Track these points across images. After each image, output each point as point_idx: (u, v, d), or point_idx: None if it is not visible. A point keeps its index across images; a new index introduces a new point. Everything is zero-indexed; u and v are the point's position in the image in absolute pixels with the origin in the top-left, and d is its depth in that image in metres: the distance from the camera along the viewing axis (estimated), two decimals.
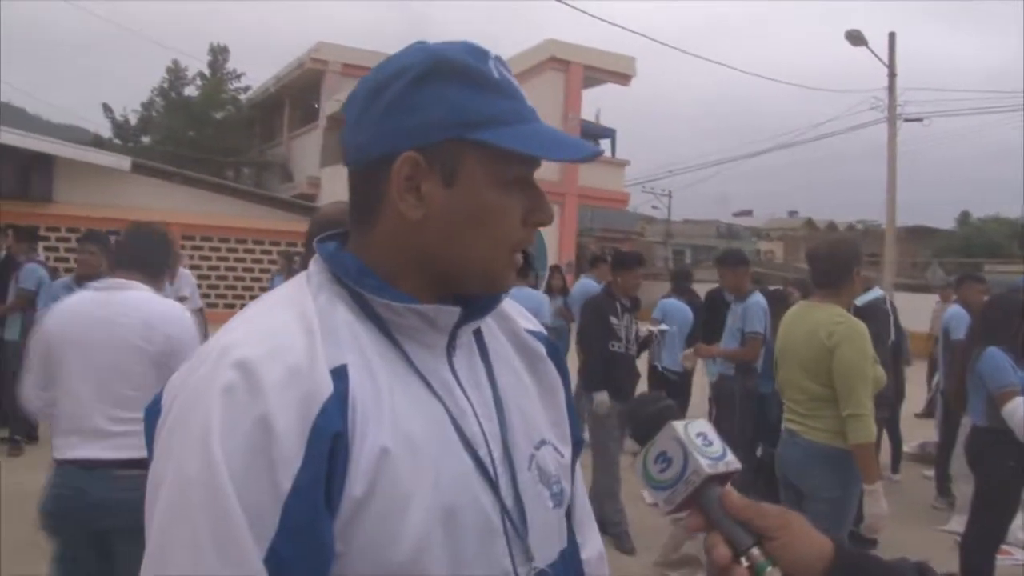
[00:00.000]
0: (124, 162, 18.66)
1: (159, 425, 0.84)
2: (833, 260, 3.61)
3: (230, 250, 19.60)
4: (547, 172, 19.26)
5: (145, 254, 2.95)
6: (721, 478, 0.88)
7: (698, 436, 0.89)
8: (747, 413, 5.58)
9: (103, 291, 2.80)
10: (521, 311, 1.16)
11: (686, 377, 7.75)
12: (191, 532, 0.75)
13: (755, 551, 0.84)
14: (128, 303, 2.75)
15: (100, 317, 2.72)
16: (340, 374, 0.83)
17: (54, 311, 2.85)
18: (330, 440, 0.80)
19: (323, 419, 0.79)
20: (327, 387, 0.81)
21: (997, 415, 4.07)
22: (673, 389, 8.00)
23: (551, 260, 19.17)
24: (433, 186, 0.90)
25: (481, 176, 0.90)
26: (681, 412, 0.94)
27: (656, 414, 0.92)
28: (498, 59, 0.94)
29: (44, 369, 2.78)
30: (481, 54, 0.92)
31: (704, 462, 0.87)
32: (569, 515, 1.11)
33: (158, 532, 0.78)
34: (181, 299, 8.20)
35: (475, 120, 0.88)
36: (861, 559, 0.88)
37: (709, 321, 7.24)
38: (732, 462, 0.89)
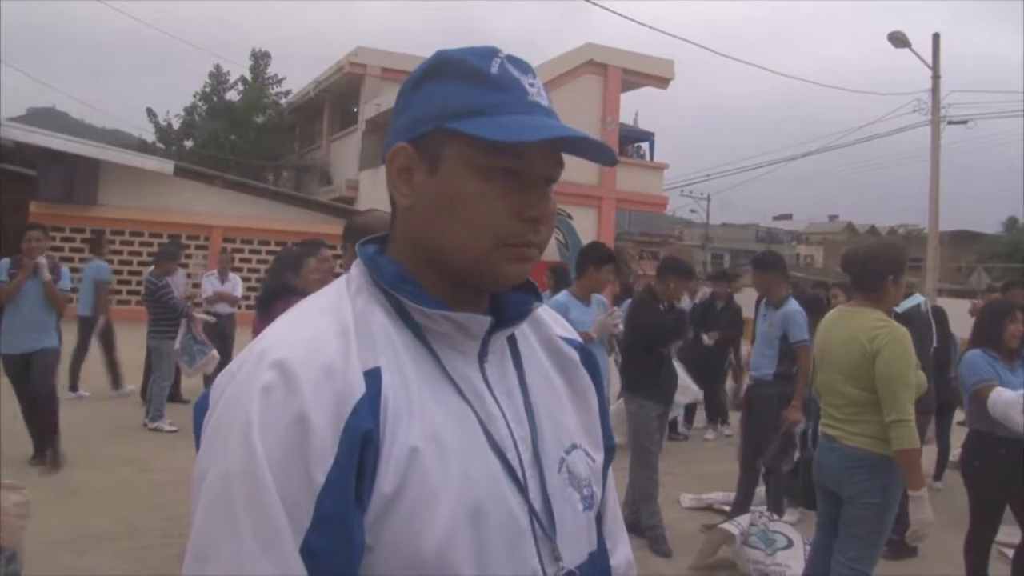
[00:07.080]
0: (167, 166, 19.06)
1: (206, 421, 0.88)
2: (868, 265, 3.55)
3: (270, 252, 19.83)
4: (585, 175, 19.26)
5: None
6: None
7: None
8: (783, 418, 5.53)
9: None
10: (558, 319, 1.18)
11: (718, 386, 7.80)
12: (233, 521, 0.78)
13: None
14: None
15: None
16: (373, 376, 0.86)
17: None
18: (361, 438, 0.82)
19: (355, 418, 0.82)
20: (360, 387, 0.84)
21: (979, 418, 4.17)
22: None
23: None
24: (422, 175, 0.94)
25: (459, 163, 0.92)
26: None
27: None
28: (509, 58, 0.95)
29: None
30: (487, 53, 0.95)
31: None
32: (599, 519, 1.12)
33: (202, 520, 0.81)
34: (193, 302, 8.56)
35: (459, 111, 0.91)
36: None
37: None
38: None
